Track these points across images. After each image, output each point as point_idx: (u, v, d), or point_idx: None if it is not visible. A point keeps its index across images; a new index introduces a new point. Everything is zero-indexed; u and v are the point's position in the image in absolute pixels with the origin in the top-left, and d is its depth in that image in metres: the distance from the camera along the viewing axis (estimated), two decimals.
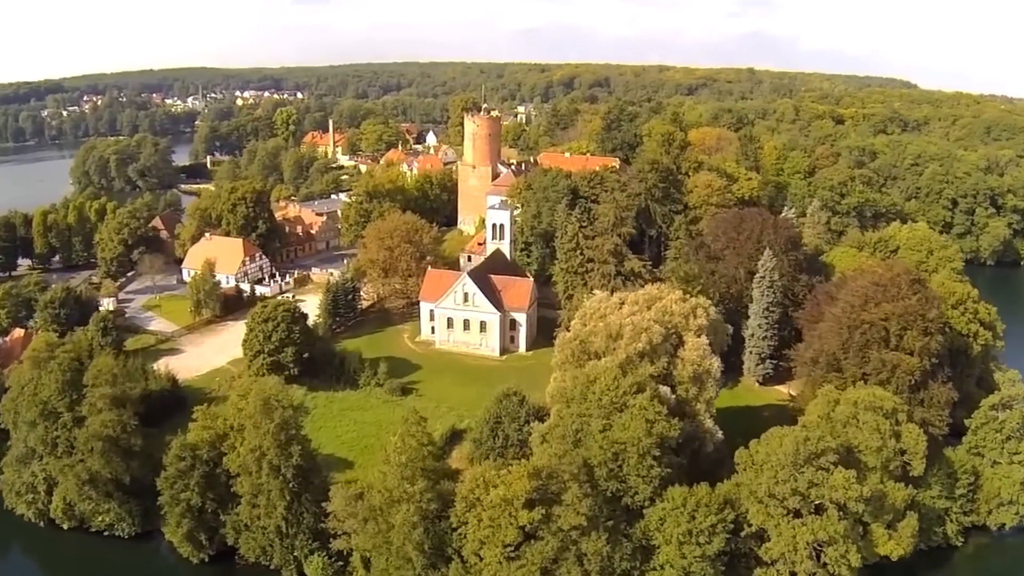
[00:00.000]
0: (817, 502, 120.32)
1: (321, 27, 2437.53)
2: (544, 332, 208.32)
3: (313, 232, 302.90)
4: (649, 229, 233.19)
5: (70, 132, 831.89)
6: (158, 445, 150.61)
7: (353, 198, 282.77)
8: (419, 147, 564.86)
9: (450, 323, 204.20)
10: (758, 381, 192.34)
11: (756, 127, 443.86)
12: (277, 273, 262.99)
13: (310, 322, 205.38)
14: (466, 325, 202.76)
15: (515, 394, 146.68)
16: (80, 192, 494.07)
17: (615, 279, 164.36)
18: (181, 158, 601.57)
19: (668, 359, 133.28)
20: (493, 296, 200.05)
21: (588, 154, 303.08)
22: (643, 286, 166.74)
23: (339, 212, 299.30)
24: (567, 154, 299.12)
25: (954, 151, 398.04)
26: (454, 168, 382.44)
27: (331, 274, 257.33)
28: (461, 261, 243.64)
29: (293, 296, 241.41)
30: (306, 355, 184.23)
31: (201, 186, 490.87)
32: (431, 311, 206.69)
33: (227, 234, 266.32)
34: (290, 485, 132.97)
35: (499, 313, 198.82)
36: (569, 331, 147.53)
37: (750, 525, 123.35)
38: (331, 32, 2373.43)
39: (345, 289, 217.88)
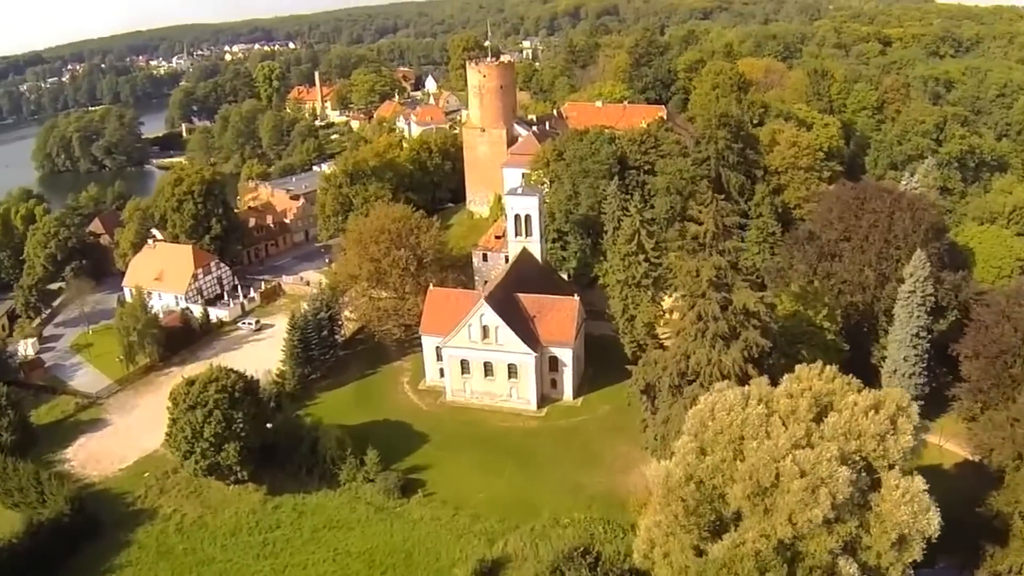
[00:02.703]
0: None
1: None
2: (593, 358, 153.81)
3: (288, 221, 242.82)
4: None
5: (49, 106, 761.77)
6: None
7: (330, 180, 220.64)
8: (418, 94, 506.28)
9: (465, 367, 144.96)
10: None
11: (803, 55, 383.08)
12: (239, 286, 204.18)
13: (273, 372, 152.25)
14: (488, 370, 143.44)
15: (583, 555, 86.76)
16: (44, 177, 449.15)
17: (719, 321, 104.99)
18: (159, 127, 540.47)
19: (859, 519, 73.62)
20: (524, 327, 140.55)
21: (625, 101, 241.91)
22: (758, 327, 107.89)
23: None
24: (599, 103, 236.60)
25: None
26: (458, 119, 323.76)
27: (307, 284, 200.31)
28: (475, 261, 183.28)
29: (257, 322, 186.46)
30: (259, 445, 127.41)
31: (175, 160, 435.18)
32: (437, 349, 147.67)
33: (175, 239, 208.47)
34: None
35: (534, 354, 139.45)
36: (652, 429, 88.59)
37: None
38: None
39: (318, 323, 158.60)
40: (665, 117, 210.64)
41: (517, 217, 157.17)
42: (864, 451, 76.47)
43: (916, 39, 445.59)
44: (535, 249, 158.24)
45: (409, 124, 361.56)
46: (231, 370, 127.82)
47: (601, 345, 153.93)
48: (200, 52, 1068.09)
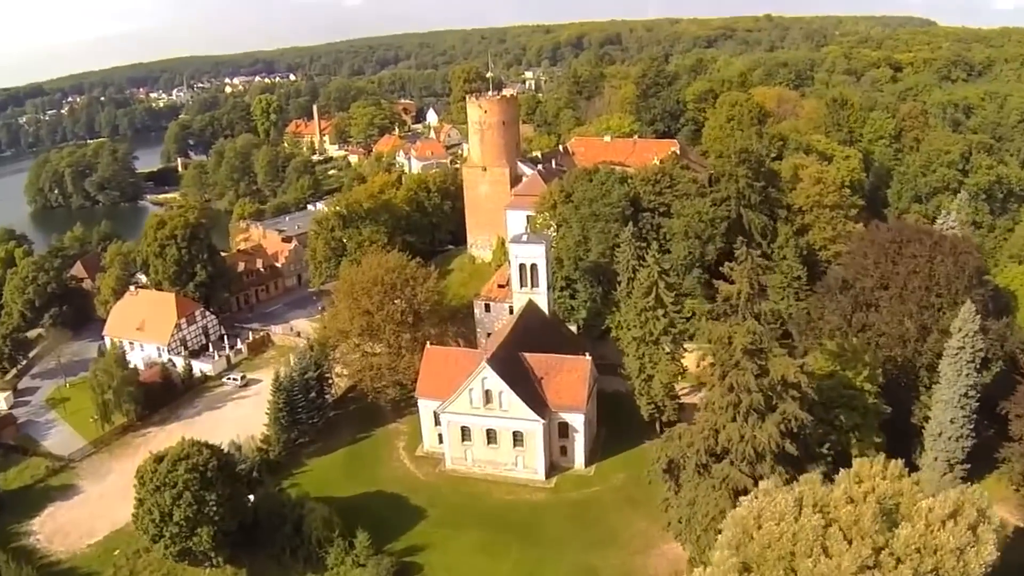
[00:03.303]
0: None
1: (315, 4, 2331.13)
2: (607, 418, 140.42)
3: (279, 264, 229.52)
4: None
5: (47, 138, 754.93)
6: None
7: (321, 224, 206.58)
8: (419, 127, 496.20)
9: (466, 433, 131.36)
10: None
11: (815, 83, 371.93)
12: (226, 336, 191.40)
13: (256, 438, 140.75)
14: (491, 437, 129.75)
15: None
16: (36, 212, 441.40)
17: (754, 393, 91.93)
18: (156, 161, 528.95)
19: None
20: (530, 390, 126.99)
21: (635, 136, 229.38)
22: (797, 399, 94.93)
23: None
24: (607, 137, 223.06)
25: None
26: (459, 153, 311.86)
27: (297, 335, 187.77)
28: (476, 312, 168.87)
29: (243, 377, 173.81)
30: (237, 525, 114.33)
31: (170, 196, 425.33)
32: (435, 414, 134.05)
33: (157, 286, 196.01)
34: None
35: (541, 421, 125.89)
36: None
37: None
38: (325, 8, 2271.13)
39: (306, 383, 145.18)
40: (678, 152, 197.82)
41: (522, 266, 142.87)
42: (941, 569, 63.32)
43: (927, 64, 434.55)
44: (542, 301, 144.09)
45: (409, 159, 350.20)
46: (204, 445, 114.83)
47: (615, 403, 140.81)
48: (200, 84, 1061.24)
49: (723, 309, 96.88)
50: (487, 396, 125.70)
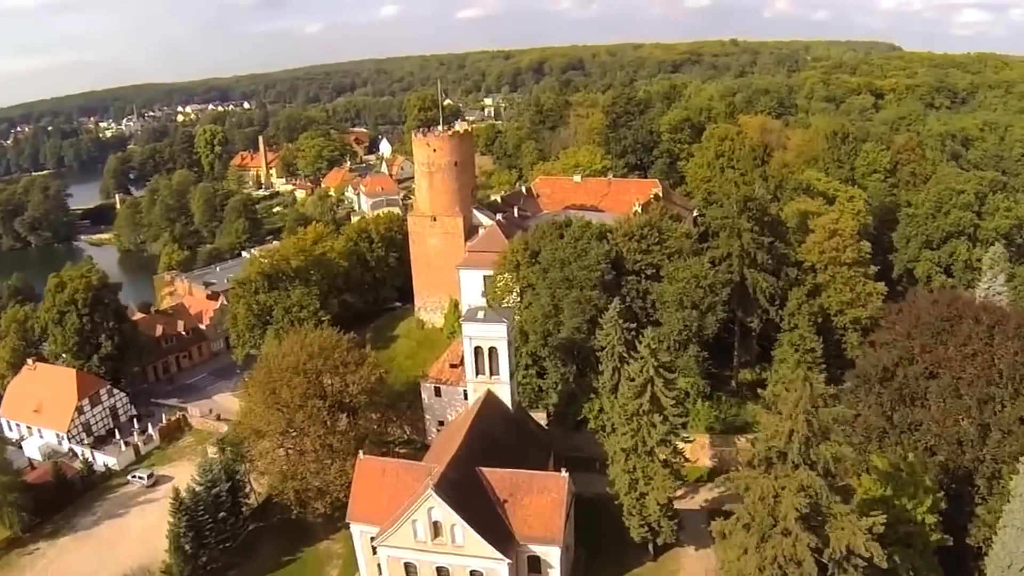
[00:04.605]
0: None
1: (276, 33, 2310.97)
2: (586, 533, 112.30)
3: (203, 326, 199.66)
4: (747, 317, 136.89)
5: None
6: None
7: (244, 285, 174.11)
8: (372, 158, 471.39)
9: (411, 570, 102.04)
10: None
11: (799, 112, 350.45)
12: (137, 417, 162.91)
13: (156, 571, 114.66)
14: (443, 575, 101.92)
15: None
16: None
17: (806, 567, 64.69)
18: (96, 197, 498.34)
19: None
20: (491, 518, 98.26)
21: (609, 174, 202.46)
22: (862, 568, 68.54)
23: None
24: (577, 177, 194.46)
25: None
26: (411, 190, 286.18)
27: (217, 418, 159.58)
28: (424, 396, 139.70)
29: (151, 476, 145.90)
30: None
31: (106, 236, 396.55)
32: (372, 545, 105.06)
33: (57, 359, 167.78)
34: None
35: (506, 560, 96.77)
36: None
37: None
38: (285, 38, 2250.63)
39: (215, 499, 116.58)
40: (661, 195, 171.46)
41: (478, 350, 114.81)
42: None
43: (909, 90, 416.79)
44: (503, 392, 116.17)
45: (358, 195, 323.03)
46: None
47: (594, 511, 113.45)
48: (151, 113, 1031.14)
49: (765, 453, 69.59)
50: (435, 529, 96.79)
